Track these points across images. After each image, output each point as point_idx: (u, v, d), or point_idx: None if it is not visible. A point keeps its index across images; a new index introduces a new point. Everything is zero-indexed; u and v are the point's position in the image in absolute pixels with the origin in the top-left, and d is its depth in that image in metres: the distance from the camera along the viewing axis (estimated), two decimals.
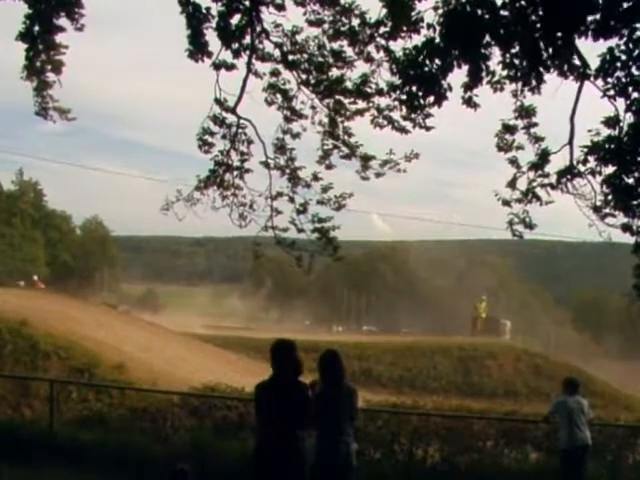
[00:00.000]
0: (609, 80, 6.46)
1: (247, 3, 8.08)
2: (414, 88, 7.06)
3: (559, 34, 6.29)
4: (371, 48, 8.05)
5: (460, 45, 6.51)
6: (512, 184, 8.26)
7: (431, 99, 7.05)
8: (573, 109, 7.49)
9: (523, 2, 6.30)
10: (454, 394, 34.34)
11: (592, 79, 6.71)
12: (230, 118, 9.02)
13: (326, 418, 6.49)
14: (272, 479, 5.99)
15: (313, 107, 8.98)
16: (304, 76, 8.80)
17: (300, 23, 8.39)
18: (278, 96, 9.03)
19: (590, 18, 6.06)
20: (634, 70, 6.35)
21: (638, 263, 7.43)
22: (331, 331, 69.93)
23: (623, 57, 6.28)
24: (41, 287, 50.98)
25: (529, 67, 6.65)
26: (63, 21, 8.40)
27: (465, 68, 6.74)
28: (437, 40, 6.63)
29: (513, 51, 6.65)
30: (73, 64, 9.05)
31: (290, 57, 8.68)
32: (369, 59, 8.20)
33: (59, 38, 8.61)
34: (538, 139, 8.06)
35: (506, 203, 8.36)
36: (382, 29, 7.48)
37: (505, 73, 6.91)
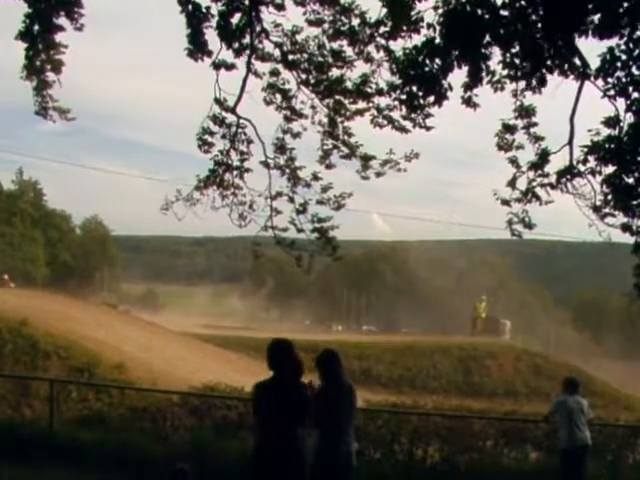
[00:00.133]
0: (609, 80, 6.47)
1: (247, 2, 8.08)
2: (414, 88, 7.07)
3: (559, 34, 6.29)
4: (371, 48, 8.04)
5: (460, 45, 6.51)
6: (512, 184, 8.24)
7: (431, 99, 7.07)
8: (573, 109, 7.48)
9: (523, 2, 6.31)
10: (454, 394, 34.38)
11: (592, 79, 6.72)
12: (230, 118, 9.02)
13: (327, 418, 6.48)
14: (272, 479, 5.99)
15: (313, 107, 8.97)
16: (304, 76, 8.79)
17: (300, 23, 8.40)
18: (278, 96, 9.02)
19: (590, 18, 6.07)
20: (634, 70, 6.36)
21: (638, 263, 7.43)
22: (331, 331, 69.95)
23: (623, 57, 6.29)
24: (11, 286, 48.72)
25: (532, 69, 6.65)
26: (63, 20, 8.40)
27: (465, 68, 6.74)
28: (437, 40, 6.64)
29: (513, 51, 6.65)
30: (73, 64, 9.04)
31: (290, 57, 8.66)
32: (369, 59, 8.18)
33: (59, 37, 8.60)
34: (538, 139, 8.04)
35: (506, 203, 8.35)
36: (382, 29, 7.48)
37: (505, 73, 6.92)
